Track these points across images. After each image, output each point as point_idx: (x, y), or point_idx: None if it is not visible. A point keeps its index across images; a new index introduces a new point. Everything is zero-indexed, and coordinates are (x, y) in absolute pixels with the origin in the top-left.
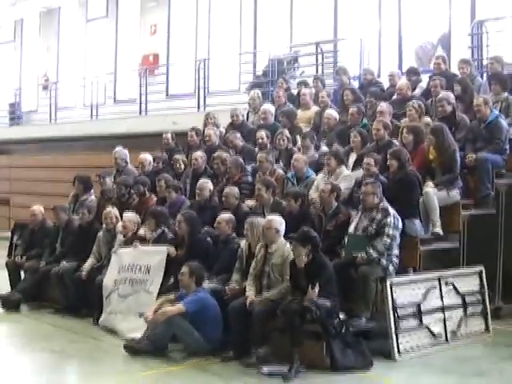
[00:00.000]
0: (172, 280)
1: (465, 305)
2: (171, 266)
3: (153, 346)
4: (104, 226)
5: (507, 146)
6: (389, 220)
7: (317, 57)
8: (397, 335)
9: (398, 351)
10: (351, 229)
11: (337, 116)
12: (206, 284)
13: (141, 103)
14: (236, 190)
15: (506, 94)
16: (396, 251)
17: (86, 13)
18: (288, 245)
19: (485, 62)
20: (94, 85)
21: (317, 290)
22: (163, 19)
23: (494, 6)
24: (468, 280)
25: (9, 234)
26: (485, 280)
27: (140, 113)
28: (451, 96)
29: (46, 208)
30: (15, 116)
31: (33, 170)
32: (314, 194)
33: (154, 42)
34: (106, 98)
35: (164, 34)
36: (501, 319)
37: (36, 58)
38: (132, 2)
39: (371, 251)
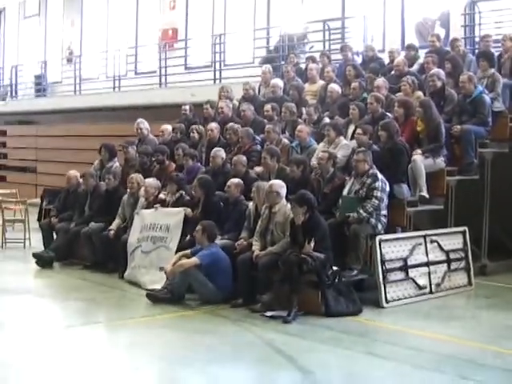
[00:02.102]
0: (188, 237)
1: (449, 260)
2: (188, 226)
3: (171, 295)
4: (128, 190)
5: (490, 119)
6: (377, 184)
7: (324, 33)
8: (385, 286)
9: (386, 300)
10: (345, 192)
11: (339, 90)
12: (218, 240)
13: (160, 75)
14: (244, 158)
15: (492, 71)
16: (384, 211)
17: None
18: (289, 205)
19: (477, 40)
20: (115, 58)
21: (312, 244)
22: None
23: None
24: (452, 238)
25: (36, 200)
26: (468, 239)
27: (160, 85)
28: (441, 72)
29: None
30: (41, 88)
31: (58, 139)
32: (315, 161)
33: (173, 17)
34: (127, 70)
35: (183, 10)
36: (486, 275)
37: (60, 32)
38: None
39: (361, 211)
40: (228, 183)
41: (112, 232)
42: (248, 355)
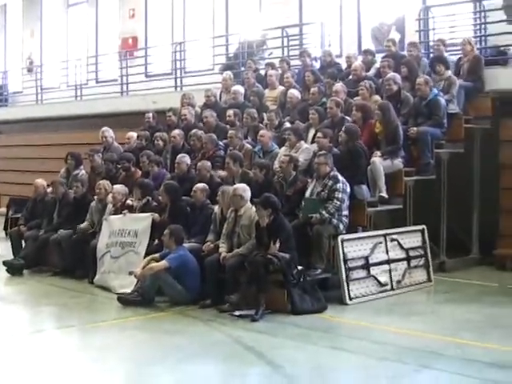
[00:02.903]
0: (156, 242)
1: (408, 258)
2: (155, 230)
3: (142, 298)
4: (96, 197)
5: (445, 121)
6: (338, 186)
7: (282, 40)
8: (348, 283)
9: (349, 297)
10: (307, 194)
11: (299, 95)
12: (186, 243)
13: (122, 84)
14: (208, 163)
15: (449, 73)
16: (345, 212)
17: None
18: (254, 208)
19: (431, 44)
20: (76, 67)
21: (277, 245)
22: (141, 3)
23: None
24: (411, 237)
25: (1, 209)
26: (426, 237)
27: (121, 93)
28: (397, 76)
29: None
30: (2, 98)
31: (20, 149)
32: (277, 165)
33: (133, 26)
34: (88, 79)
35: (142, 18)
36: (445, 272)
37: (20, 42)
38: None
39: (324, 212)
40: (194, 188)
41: (79, 230)
42: (218, 353)
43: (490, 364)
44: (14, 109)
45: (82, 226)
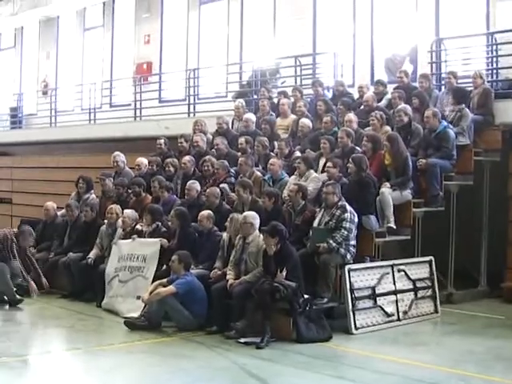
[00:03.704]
0: (164, 267)
1: (415, 289)
2: (164, 256)
3: (148, 323)
4: (106, 220)
5: (454, 153)
6: (346, 215)
7: (295, 69)
8: (354, 313)
9: (355, 327)
10: (315, 223)
11: (310, 124)
12: (194, 270)
13: (135, 108)
14: (217, 190)
15: (462, 105)
16: (353, 242)
17: (84, 22)
18: (262, 236)
19: (443, 76)
20: (91, 90)
21: (284, 273)
22: (156, 30)
23: (455, 24)
24: (419, 268)
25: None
26: (434, 268)
27: (135, 118)
28: (408, 108)
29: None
30: (16, 120)
31: (33, 171)
32: (286, 194)
33: (148, 51)
34: (102, 103)
35: (157, 44)
36: (452, 303)
37: (36, 65)
38: (127, 13)
39: (331, 242)
40: (199, 216)
41: (90, 259)
42: (223, 378)
43: None
44: (28, 131)
45: (92, 254)
